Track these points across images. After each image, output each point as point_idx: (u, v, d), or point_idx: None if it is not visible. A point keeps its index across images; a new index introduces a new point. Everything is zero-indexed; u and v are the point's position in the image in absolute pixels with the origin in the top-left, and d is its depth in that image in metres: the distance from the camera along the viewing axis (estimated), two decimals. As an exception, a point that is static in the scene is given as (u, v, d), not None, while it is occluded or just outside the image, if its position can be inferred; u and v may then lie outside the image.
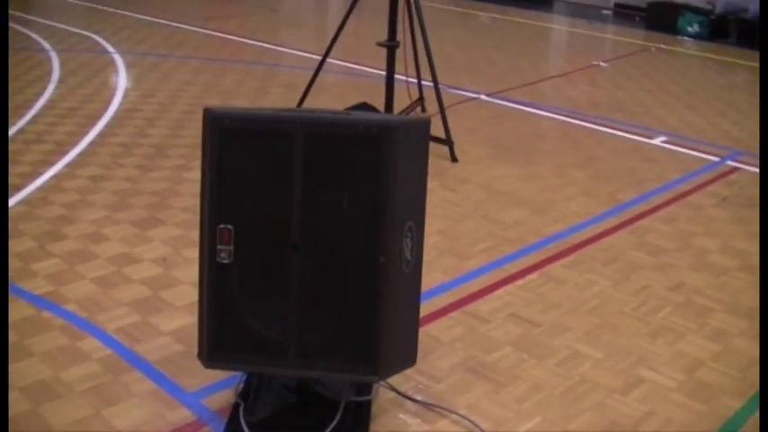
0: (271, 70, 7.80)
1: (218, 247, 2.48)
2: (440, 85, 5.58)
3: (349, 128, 2.43)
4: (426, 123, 2.58)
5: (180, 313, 3.40)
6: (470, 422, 2.84)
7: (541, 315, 3.59)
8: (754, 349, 3.45)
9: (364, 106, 6.02)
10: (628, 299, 3.79)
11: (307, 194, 2.45)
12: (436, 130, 5.18)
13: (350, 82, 7.36)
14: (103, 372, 3.01)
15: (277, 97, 6.73)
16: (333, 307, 2.52)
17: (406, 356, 2.69)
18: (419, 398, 2.95)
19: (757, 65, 9.36)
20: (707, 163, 5.82)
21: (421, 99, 6.27)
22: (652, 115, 6.93)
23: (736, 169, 5.72)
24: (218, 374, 2.91)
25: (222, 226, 2.48)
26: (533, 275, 3.97)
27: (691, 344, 3.46)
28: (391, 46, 5.59)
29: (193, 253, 3.88)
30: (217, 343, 2.56)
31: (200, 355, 2.61)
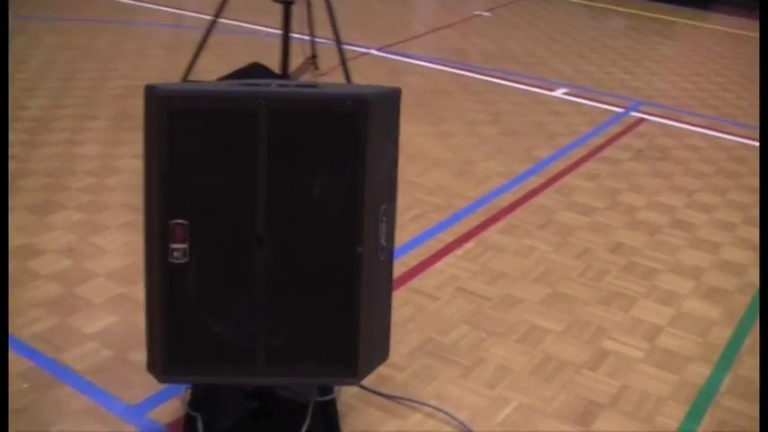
0: (149, 30, 7.28)
1: (171, 245, 2.16)
2: (326, 41, 5.27)
3: (320, 103, 2.13)
4: (397, 93, 2.31)
5: (101, 312, 3.04)
6: (445, 413, 2.63)
7: (489, 287, 3.40)
8: (706, 310, 3.38)
9: (257, 67, 5.65)
10: (571, 264, 3.65)
11: (273, 181, 2.15)
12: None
13: (238, 41, 6.94)
14: (27, 389, 2.63)
15: (160, 60, 6.27)
16: (305, 305, 2.24)
17: (381, 351, 2.44)
18: (385, 391, 2.71)
19: (632, 10, 9.44)
20: (612, 114, 5.75)
21: (314, 57, 5.97)
22: (548, 66, 6.83)
23: (642, 120, 5.68)
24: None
25: (175, 221, 2.15)
26: (470, 244, 3.77)
27: (645, 309, 3.35)
28: (287, 2, 5.23)
29: (102, 240, 3.52)
30: (173, 353, 2.24)
31: (152, 368, 2.29)
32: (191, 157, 2.14)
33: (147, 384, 2.58)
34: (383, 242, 2.30)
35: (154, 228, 2.17)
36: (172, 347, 2.24)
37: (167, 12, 7.93)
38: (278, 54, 4.86)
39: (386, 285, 2.41)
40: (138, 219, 3.68)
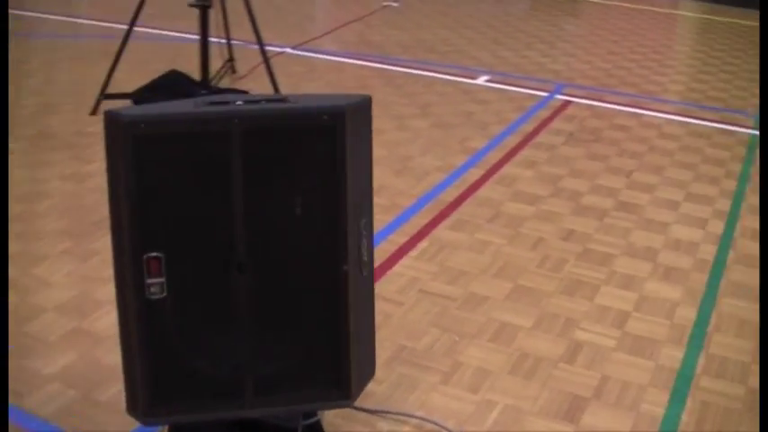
0: (51, 43, 6.99)
1: (147, 280, 2.03)
2: (240, 43, 5.14)
3: (296, 118, 2.03)
4: (368, 102, 2.22)
5: (56, 349, 2.88)
6: (434, 423, 2.56)
7: (451, 287, 3.34)
8: (667, 291, 3.39)
9: (175, 74, 5.49)
10: (528, 255, 3.62)
11: (250, 203, 2.04)
12: (263, 91, 4.79)
13: (146, 48, 6.72)
14: (-9, 441, 2.46)
15: (70, 72, 6.02)
16: (292, 331, 2.14)
17: (369, 368, 2.36)
18: (370, 406, 2.63)
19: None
20: (538, 99, 5.76)
21: (231, 60, 5.82)
22: (465, 54, 6.81)
23: (568, 103, 5.70)
24: (134, 421, 2.44)
25: (149, 254, 2.02)
26: (424, 243, 3.71)
27: (608, 296, 3.34)
28: (203, 6, 5.07)
29: (43, 271, 3.34)
30: (155, 393, 2.12)
31: (133, 410, 2.16)
32: (161, 184, 2.01)
33: (120, 424, 2.45)
34: (365, 258, 2.22)
35: (125, 263, 2.04)
36: (154, 387, 2.12)
37: (64, 21, 7.61)
38: (190, 59, 4.71)
39: (369, 301, 2.33)
40: (77, 245, 3.52)
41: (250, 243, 2.07)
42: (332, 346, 2.16)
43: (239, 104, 2.04)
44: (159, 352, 2.10)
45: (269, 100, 2.11)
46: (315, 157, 2.05)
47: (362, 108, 2.18)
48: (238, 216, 2.04)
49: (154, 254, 2.03)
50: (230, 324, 2.11)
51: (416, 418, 2.59)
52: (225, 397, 2.14)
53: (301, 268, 2.11)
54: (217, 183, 2.03)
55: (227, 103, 2.05)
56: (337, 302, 2.13)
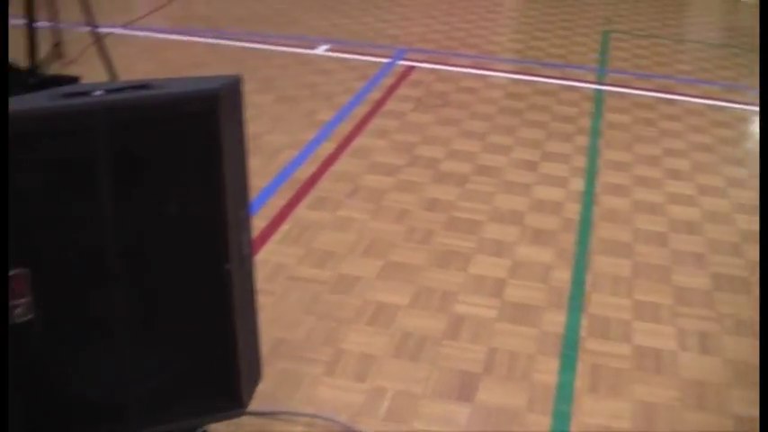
0: None
1: (11, 302, 1.77)
2: (68, 25, 4.79)
3: (165, 106, 1.80)
4: (238, 83, 2.02)
5: None
6: (326, 419, 2.41)
7: (320, 270, 3.19)
8: (539, 254, 3.35)
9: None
10: (394, 229, 3.50)
11: (121, 206, 1.81)
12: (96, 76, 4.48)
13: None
14: None
15: None
16: (176, 341, 1.94)
17: (257, 371, 2.18)
18: (257, 409, 2.44)
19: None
20: (381, 66, 5.64)
21: (59, 44, 5.42)
22: (302, 24, 6.62)
23: (411, 68, 5.61)
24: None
25: (13, 272, 1.76)
26: (285, 226, 3.53)
27: (481, 264, 3.27)
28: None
29: None
30: (31, 429, 1.87)
31: (-2, 449, 1.90)
32: (20, 191, 1.75)
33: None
34: (245, 252, 2.04)
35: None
36: (28, 423, 1.87)
37: None
38: (14, 45, 4.33)
39: (252, 298, 2.15)
40: None
41: (123, 250, 1.84)
42: (219, 353, 1.97)
43: (100, 95, 1.80)
44: (29, 382, 1.85)
45: (132, 87, 1.87)
46: (189, 147, 1.85)
47: (234, 91, 1.99)
48: (108, 220, 1.81)
49: (18, 270, 1.77)
50: (107, 341, 1.89)
51: (307, 416, 2.43)
52: (109, 421, 1.92)
53: (180, 272, 1.91)
54: (81, 185, 1.79)
55: (86, 93, 1.80)
56: (222, 306, 1.94)
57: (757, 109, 5.32)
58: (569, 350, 2.77)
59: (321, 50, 5.95)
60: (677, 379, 2.68)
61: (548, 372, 2.66)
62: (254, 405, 2.43)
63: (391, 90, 5.17)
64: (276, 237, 3.43)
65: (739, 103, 5.44)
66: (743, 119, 5.21)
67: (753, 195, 4.06)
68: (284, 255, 3.29)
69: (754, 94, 5.64)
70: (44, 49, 4.99)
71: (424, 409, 2.47)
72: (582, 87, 5.43)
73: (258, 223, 3.54)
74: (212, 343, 1.95)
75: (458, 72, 5.59)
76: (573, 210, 3.71)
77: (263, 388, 2.53)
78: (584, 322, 2.92)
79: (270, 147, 4.30)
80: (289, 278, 3.14)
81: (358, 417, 2.44)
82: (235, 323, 1.94)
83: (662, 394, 2.60)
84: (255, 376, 2.17)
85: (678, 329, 2.93)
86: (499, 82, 5.45)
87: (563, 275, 3.20)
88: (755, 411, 2.54)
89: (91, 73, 4.85)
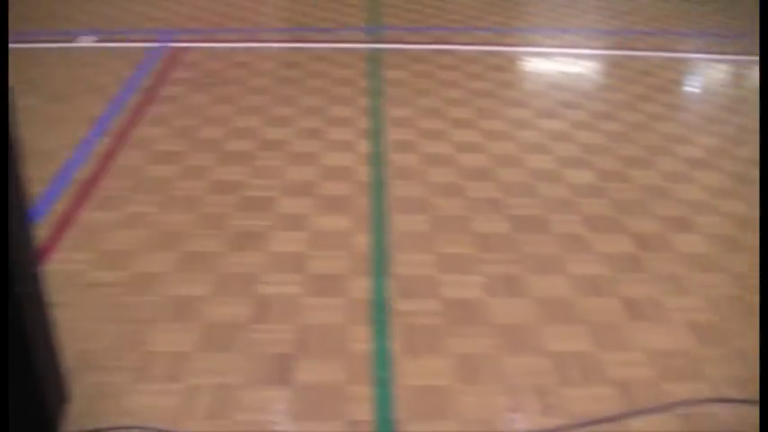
0: None
1: None
2: None
3: None
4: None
5: None
6: (143, 428, 2.31)
7: (116, 272, 3.05)
8: (336, 222, 3.35)
9: None
10: (185, 218, 3.40)
11: None
12: None
13: None
14: None
15: None
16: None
17: (64, 392, 2.05)
18: (72, 430, 2.29)
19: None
20: (150, 51, 5.43)
21: None
22: (62, 17, 6.27)
23: (181, 50, 5.43)
24: None
25: None
26: (73, 231, 3.35)
27: (279, 241, 3.23)
28: None
29: None
30: None
31: None
32: None
33: None
34: (33, 270, 1.89)
35: None
36: None
37: None
38: None
39: (47, 316, 2.01)
40: None
41: None
42: (19, 381, 1.82)
43: None
44: None
45: None
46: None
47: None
48: None
49: None
50: None
51: (123, 428, 2.30)
52: None
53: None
54: None
55: None
56: (16, 336, 1.79)
57: (528, 50, 5.50)
58: (380, 315, 2.77)
59: (86, 42, 5.67)
60: (490, 326, 2.73)
61: (362, 340, 2.65)
62: (73, 427, 2.29)
63: (163, 75, 4.99)
64: (64, 244, 3.24)
65: (512, 45, 5.61)
66: (518, 60, 5.38)
67: (537, 134, 4.20)
68: (74, 261, 3.11)
69: (525, 35, 5.84)
70: None
71: (245, 400, 2.41)
72: (357, 48, 5.44)
73: (43, 232, 3.33)
74: (18, 377, 1.80)
75: (229, 47, 5.47)
76: (364, 172, 3.71)
77: (76, 407, 2.38)
78: (391, 284, 2.93)
79: (44, 150, 4.05)
80: (83, 285, 2.97)
81: (178, 419, 2.35)
82: (35, 353, 1.80)
83: (478, 344, 2.65)
84: (63, 396, 2.03)
85: (484, 276, 2.99)
86: (272, 53, 5.38)
87: (363, 240, 3.20)
88: (571, 346, 2.63)
89: None
